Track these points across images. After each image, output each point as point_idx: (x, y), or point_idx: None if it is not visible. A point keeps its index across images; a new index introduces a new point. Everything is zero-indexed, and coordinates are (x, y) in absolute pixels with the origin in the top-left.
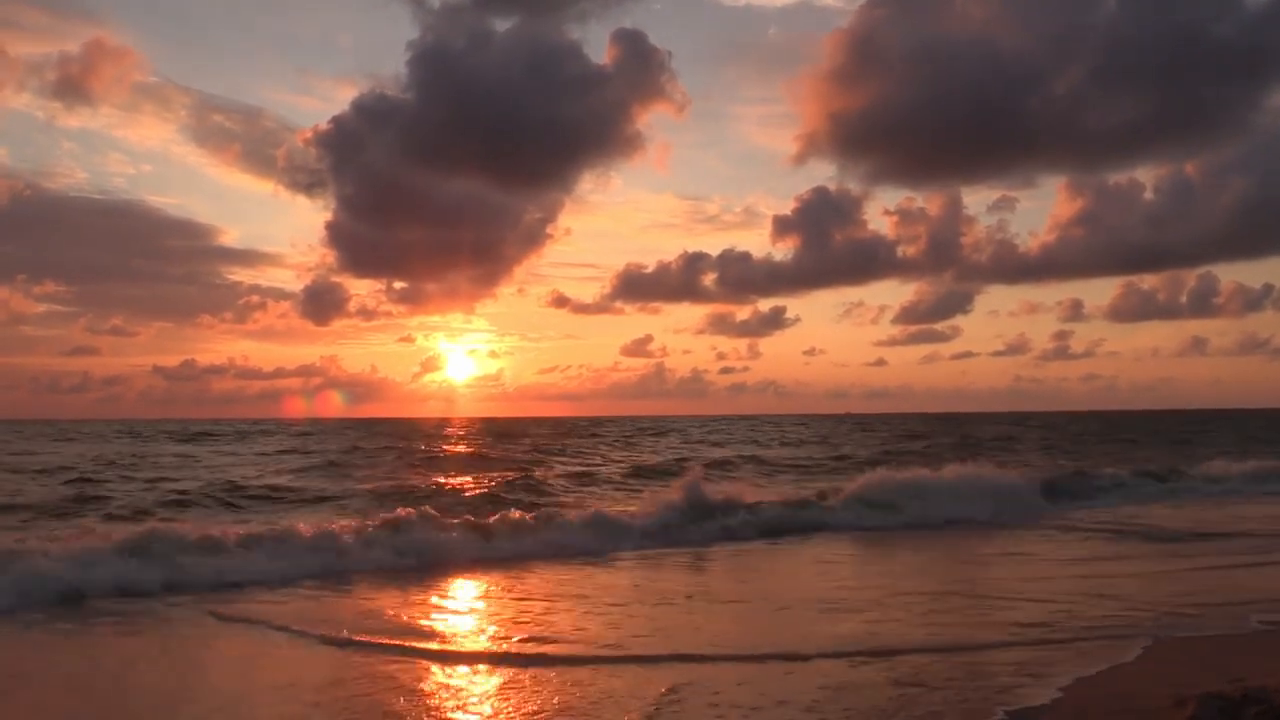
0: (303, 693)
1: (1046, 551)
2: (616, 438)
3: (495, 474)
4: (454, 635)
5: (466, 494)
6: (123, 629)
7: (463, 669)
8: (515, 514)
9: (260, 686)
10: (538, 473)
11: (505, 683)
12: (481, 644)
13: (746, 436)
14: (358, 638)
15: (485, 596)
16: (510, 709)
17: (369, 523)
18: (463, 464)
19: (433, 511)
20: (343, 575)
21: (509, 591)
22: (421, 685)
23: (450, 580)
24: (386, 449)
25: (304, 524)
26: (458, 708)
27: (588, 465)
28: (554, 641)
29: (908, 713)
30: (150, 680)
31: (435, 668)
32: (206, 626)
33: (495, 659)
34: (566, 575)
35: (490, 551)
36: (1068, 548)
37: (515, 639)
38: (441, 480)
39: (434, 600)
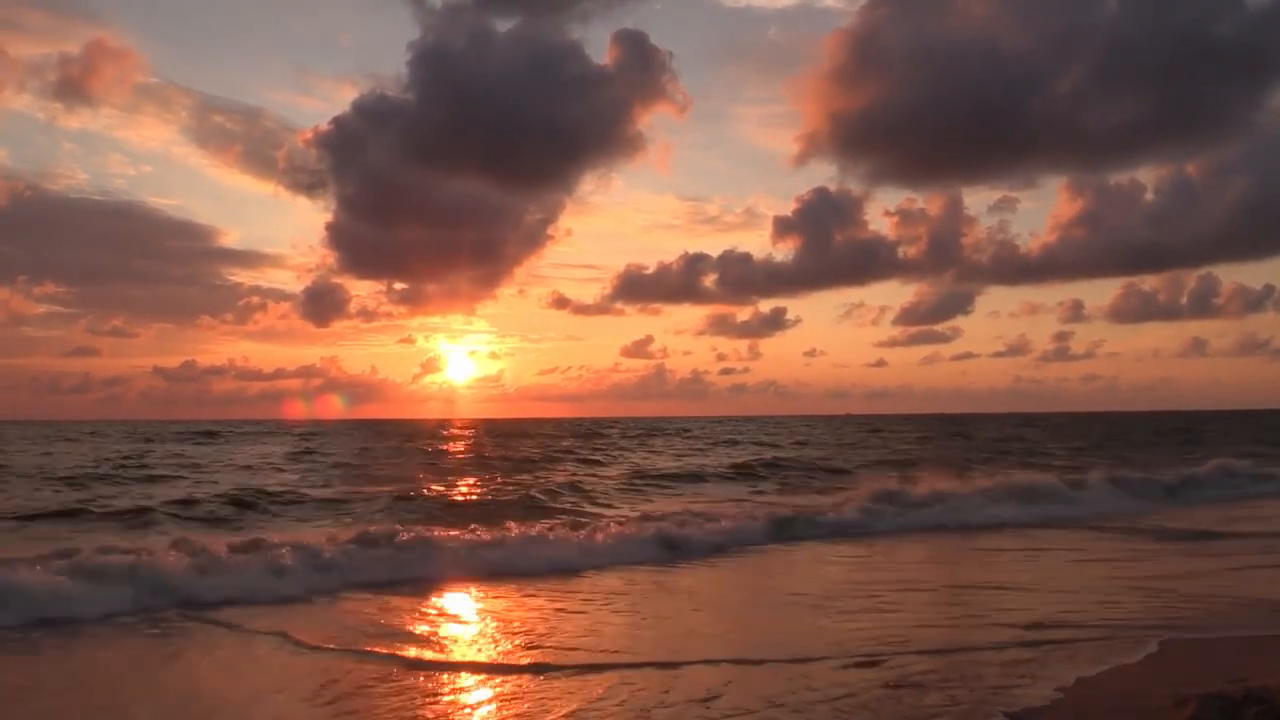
0: (302, 700)
1: (1058, 551)
2: (635, 438)
3: (534, 476)
4: (454, 644)
5: (514, 498)
6: (131, 641)
7: (465, 678)
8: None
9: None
10: (574, 474)
11: (490, 689)
12: (478, 653)
13: (760, 438)
14: (378, 649)
15: (507, 606)
16: (485, 715)
17: (427, 531)
18: (497, 467)
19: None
20: (392, 584)
21: (521, 601)
22: (423, 693)
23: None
24: (409, 450)
25: (373, 528)
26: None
27: (620, 467)
28: (556, 649)
29: (907, 714)
30: (153, 689)
31: (444, 676)
32: (223, 640)
33: (490, 668)
34: (575, 585)
35: (550, 563)
36: (1078, 547)
37: (516, 646)
38: (488, 485)
39: (459, 611)
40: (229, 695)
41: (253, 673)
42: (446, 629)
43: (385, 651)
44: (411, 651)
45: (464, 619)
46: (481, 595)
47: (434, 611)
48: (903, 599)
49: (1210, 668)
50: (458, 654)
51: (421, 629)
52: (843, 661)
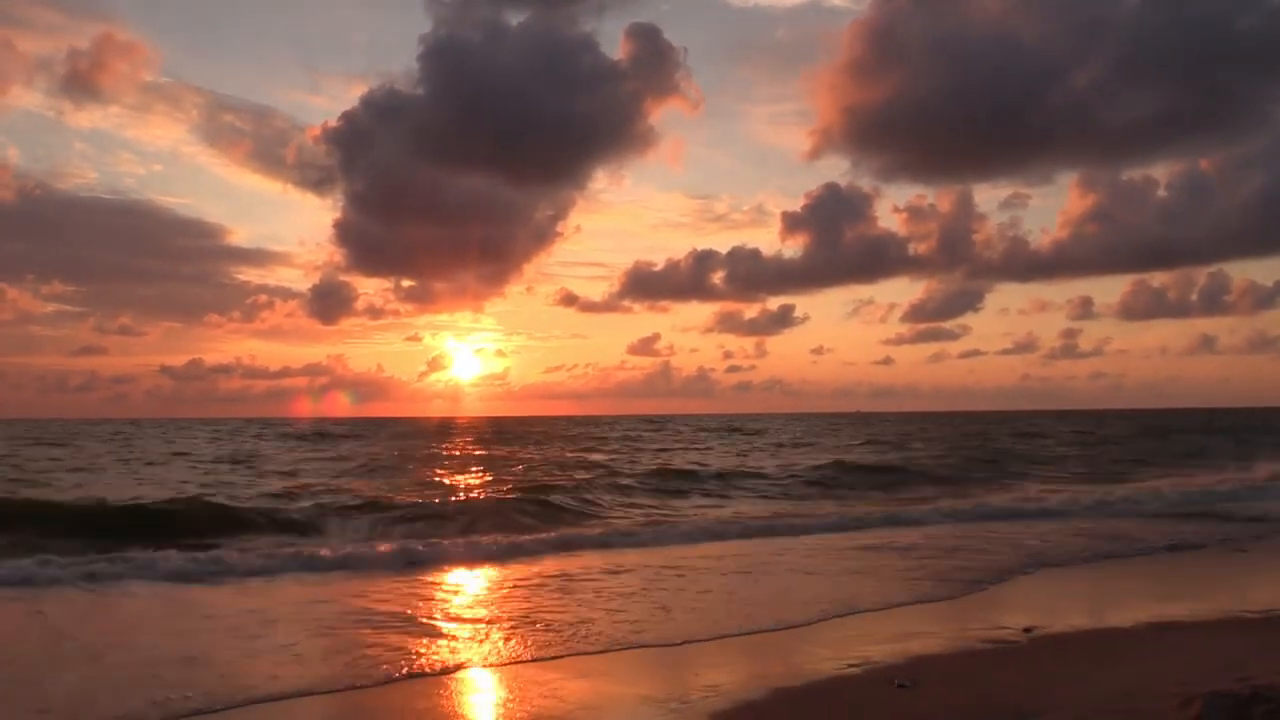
0: None
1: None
2: (692, 438)
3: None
4: None
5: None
6: None
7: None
8: None
9: None
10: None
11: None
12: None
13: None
14: None
15: None
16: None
17: None
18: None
19: None
20: None
21: None
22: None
23: None
24: (495, 457)
25: None
26: None
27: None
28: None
29: (908, 716)
30: None
31: None
32: None
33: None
34: None
35: None
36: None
37: None
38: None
39: None
40: None
41: None
42: None
43: None
44: None
45: None
46: None
47: None
48: (909, 596)
49: (1215, 665)
50: None
51: None
52: (849, 664)
